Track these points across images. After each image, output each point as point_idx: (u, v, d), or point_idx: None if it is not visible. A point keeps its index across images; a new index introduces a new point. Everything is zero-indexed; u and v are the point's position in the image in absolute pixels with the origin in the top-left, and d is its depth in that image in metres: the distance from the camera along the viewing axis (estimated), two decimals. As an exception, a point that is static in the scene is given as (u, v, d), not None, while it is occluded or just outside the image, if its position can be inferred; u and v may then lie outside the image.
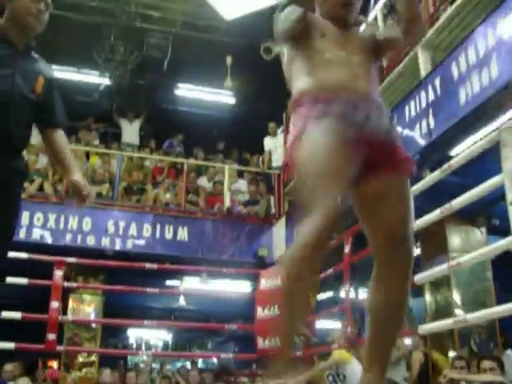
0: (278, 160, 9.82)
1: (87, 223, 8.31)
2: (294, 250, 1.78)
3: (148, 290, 6.17)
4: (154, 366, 12.62)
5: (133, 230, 8.50)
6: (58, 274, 5.52)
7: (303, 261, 1.74)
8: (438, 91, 5.15)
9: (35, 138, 10.21)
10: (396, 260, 1.96)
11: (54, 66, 11.69)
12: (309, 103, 1.99)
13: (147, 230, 8.57)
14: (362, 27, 2.34)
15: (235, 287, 9.78)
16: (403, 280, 1.99)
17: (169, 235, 8.63)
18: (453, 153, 5.10)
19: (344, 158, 1.80)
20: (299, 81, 2.13)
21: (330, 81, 2.05)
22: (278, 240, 8.56)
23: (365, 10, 8.08)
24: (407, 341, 6.59)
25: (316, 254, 1.74)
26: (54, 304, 5.38)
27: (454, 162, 3.08)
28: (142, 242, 8.49)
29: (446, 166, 3.13)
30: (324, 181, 1.77)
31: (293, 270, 1.78)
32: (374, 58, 2.27)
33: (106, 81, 11.54)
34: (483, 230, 6.55)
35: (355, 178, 1.92)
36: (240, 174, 10.45)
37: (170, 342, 16.68)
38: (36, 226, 8.07)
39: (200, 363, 15.50)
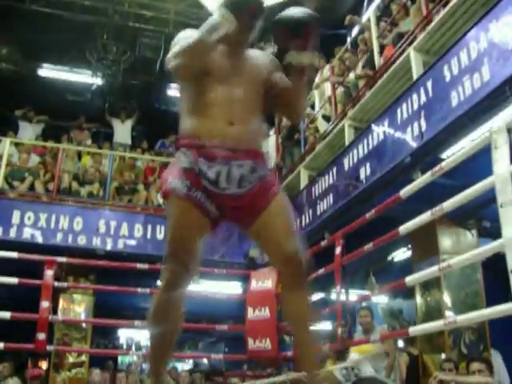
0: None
1: (78, 223, 8.28)
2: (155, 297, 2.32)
3: (139, 290, 6.15)
4: (144, 366, 12.58)
5: (124, 230, 8.48)
6: (49, 273, 5.49)
7: (162, 303, 2.28)
8: (430, 94, 5.17)
9: (27, 136, 10.20)
10: (293, 271, 2.18)
11: (47, 65, 11.69)
12: (180, 152, 2.24)
13: (138, 230, 8.56)
14: (267, 52, 2.39)
15: (226, 288, 9.77)
16: (302, 288, 2.21)
17: (160, 235, 8.61)
18: (444, 155, 5.12)
19: (188, 227, 2.17)
20: (181, 120, 2.31)
21: (201, 128, 2.21)
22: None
23: (358, 12, 8.11)
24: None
25: (172, 294, 2.24)
26: (45, 304, 5.35)
27: (445, 165, 3.09)
28: (133, 242, 8.48)
29: (437, 168, 3.13)
30: (172, 245, 2.17)
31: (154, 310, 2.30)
32: (263, 91, 2.34)
33: (98, 80, 11.53)
34: (474, 232, 6.57)
35: (239, 223, 2.32)
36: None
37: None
38: (27, 225, 8.04)
39: (190, 364, 15.48)
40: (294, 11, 2.19)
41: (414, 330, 3.57)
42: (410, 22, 6.45)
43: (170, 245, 2.18)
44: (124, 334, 16.14)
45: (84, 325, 8.58)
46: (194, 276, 2.32)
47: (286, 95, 2.35)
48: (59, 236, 8.14)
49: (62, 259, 5.84)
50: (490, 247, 2.73)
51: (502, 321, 2.77)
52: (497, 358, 5.60)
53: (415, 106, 5.39)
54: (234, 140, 2.18)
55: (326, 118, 8.08)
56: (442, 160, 3.48)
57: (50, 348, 5.77)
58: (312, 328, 2.27)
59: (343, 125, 7.24)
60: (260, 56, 2.42)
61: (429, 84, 5.20)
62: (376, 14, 7.24)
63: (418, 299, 6.61)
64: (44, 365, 9.49)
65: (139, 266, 5.98)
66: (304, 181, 8.11)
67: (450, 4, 5.38)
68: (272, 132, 9.99)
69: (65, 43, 10.36)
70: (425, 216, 3.24)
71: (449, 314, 5.86)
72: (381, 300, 9.44)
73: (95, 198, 8.98)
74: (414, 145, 5.33)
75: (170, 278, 2.18)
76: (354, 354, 5.21)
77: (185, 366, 14.55)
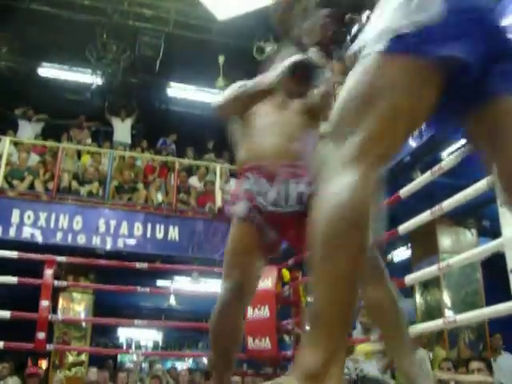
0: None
1: (78, 222, 8.28)
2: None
3: (138, 289, 6.15)
4: (143, 365, 12.59)
5: (124, 229, 8.48)
6: (48, 272, 5.48)
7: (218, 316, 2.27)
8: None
9: (26, 135, 10.19)
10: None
11: (46, 64, 11.65)
12: (239, 180, 2.39)
13: (138, 229, 8.56)
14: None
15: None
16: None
17: (160, 234, 8.61)
18: (444, 154, 5.12)
19: (244, 247, 2.25)
20: (238, 150, 2.46)
21: (255, 152, 2.34)
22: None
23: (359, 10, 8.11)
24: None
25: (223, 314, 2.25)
26: (44, 303, 5.35)
27: (445, 164, 3.08)
28: (132, 241, 8.48)
29: (436, 167, 3.13)
30: (227, 262, 2.29)
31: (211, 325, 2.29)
32: (311, 119, 2.41)
33: (98, 79, 11.51)
34: (473, 231, 6.59)
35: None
36: (232, 174, 10.45)
37: (161, 342, 16.65)
38: (26, 224, 8.04)
39: (190, 363, 15.49)
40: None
41: (413, 329, 3.57)
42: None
43: (225, 264, 2.29)
44: (124, 333, 16.16)
45: (84, 324, 8.59)
46: (247, 300, 2.40)
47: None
48: (59, 235, 8.14)
49: (62, 258, 5.83)
50: (489, 246, 2.73)
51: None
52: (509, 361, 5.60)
53: (415, 106, 5.38)
54: (287, 159, 2.27)
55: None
56: (442, 159, 3.48)
57: (49, 347, 5.77)
58: None
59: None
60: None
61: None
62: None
63: (418, 298, 6.63)
64: (44, 364, 9.50)
65: (139, 265, 5.97)
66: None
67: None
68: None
69: (64, 42, 10.34)
70: (424, 215, 3.24)
71: (448, 313, 5.87)
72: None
73: (95, 197, 8.98)
74: (414, 144, 5.33)
75: (223, 297, 2.26)
76: (358, 352, 5.20)
77: (184, 365, 14.56)
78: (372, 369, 4.78)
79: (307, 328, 1.12)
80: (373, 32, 1.16)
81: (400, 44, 1.09)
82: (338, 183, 1.05)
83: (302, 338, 5.38)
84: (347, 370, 4.98)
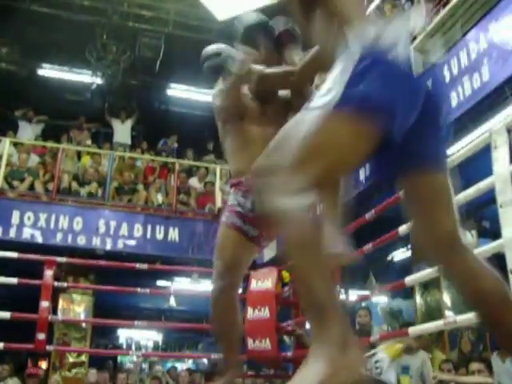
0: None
1: (78, 223, 8.28)
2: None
3: (138, 290, 6.14)
4: (143, 366, 12.59)
5: (124, 230, 8.48)
6: (48, 273, 5.48)
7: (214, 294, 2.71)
8: (430, 94, 5.17)
9: (26, 136, 10.18)
10: None
11: (46, 65, 11.62)
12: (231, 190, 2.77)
13: (138, 230, 8.56)
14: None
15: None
16: None
17: (160, 235, 8.61)
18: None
19: (234, 248, 2.66)
20: (229, 160, 2.88)
21: (240, 166, 2.69)
22: (269, 241, 8.54)
23: None
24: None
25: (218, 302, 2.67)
26: (44, 304, 5.35)
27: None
28: (132, 242, 8.48)
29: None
30: (217, 247, 2.76)
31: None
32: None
33: (98, 80, 11.52)
34: (474, 232, 6.58)
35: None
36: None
37: (161, 343, 16.63)
38: (26, 225, 8.04)
39: (190, 364, 15.47)
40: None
41: (413, 330, 3.57)
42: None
43: (219, 264, 2.68)
44: (123, 334, 16.14)
45: (84, 325, 8.60)
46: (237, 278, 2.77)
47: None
48: (59, 236, 8.14)
49: (62, 259, 5.83)
50: (489, 247, 2.73)
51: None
52: None
53: (415, 106, 5.38)
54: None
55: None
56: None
57: (49, 348, 5.76)
58: None
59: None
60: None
61: (428, 84, 5.20)
62: (376, 14, 7.23)
63: (418, 299, 6.63)
64: (44, 365, 9.50)
65: (139, 265, 5.97)
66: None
67: (450, 4, 5.38)
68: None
69: (64, 43, 10.34)
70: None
71: (448, 313, 5.87)
72: (380, 300, 9.45)
73: (95, 198, 8.98)
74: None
75: (214, 291, 2.70)
76: (380, 350, 5.18)
77: (184, 366, 14.54)
78: (391, 371, 4.76)
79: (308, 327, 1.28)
80: (322, 91, 1.42)
81: (340, 106, 1.34)
82: (289, 211, 1.33)
83: (302, 338, 5.39)
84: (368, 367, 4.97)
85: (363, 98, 1.33)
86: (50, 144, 9.90)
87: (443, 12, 5.54)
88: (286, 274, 6.00)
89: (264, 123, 2.66)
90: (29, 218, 8.08)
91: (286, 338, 6.78)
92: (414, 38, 5.97)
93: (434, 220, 1.54)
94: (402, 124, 1.40)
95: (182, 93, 12.30)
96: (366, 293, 7.48)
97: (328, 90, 1.39)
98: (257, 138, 2.61)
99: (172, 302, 11.86)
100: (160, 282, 10.45)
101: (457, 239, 1.54)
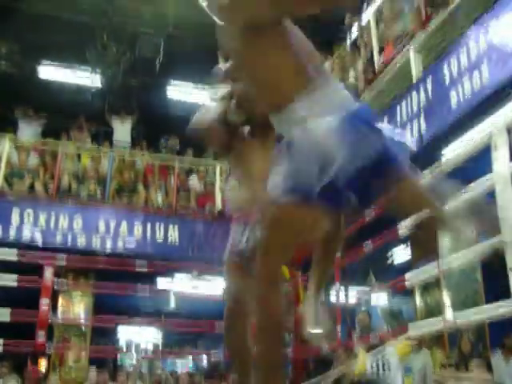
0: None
1: (78, 223, 8.28)
2: None
3: (138, 290, 6.16)
4: (143, 366, 12.57)
5: (124, 230, 8.48)
6: (48, 273, 5.50)
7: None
8: (430, 94, 5.17)
9: (26, 136, 10.17)
10: None
11: (46, 65, 11.59)
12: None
13: (138, 229, 8.55)
14: None
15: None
16: None
17: (159, 235, 8.61)
18: (443, 156, 5.13)
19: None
20: None
21: (232, 205, 2.86)
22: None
23: (358, 12, 8.11)
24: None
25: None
26: (44, 303, 5.36)
27: (445, 165, 3.10)
28: (132, 242, 8.47)
29: (436, 167, 3.14)
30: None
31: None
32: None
33: (98, 80, 11.51)
34: (473, 231, 6.58)
35: None
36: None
37: (160, 343, 16.61)
38: (26, 225, 8.03)
39: (190, 366, 15.46)
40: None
41: (413, 330, 3.58)
42: (403, 21, 6.48)
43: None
44: (123, 334, 16.12)
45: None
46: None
47: None
48: (59, 236, 8.13)
49: (62, 259, 5.85)
50: (489, 245, 2.74)
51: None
52: None
53: (415, 107, 5.40)
54: (251, 207, 2.59)
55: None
56: (442, 160, 3.49)
57: (49, 348, 5.78)
58: None
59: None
60: None
61: (428, 84, 5.21)
62: (376, 15, 7.24)
63: (418, 299, 6.63)
64: (43, 364, 9.49)
65: (138, 265, 5.99)
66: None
67: (451, 4, 5.39)
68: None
69: (65, 43, 10.34)
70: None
71: (448, 313, 5.87)
72: (380, 300, 9.45)
73: (95, 198, 8.98)
74: (414, 145, 5.34)
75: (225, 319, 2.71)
76: (389, 347, 5.19)
77: (184, 366, 14.54)
78: (397, 369, 4.77)
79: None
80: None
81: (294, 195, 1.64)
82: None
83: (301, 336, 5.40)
84: (373, 368, 4.99)
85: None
86: (49, 144, 9.89)
87: (443, 12, 5.54)
88: (285, 271, 6.00)
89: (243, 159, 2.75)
90: (29, 218, 8.08)
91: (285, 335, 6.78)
92: (414, 38, 5.98)
93: None
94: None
95: (181, 93, 12.30)
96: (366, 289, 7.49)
97: None
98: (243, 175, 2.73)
99: (172, 301, 11.85)
100: (160, 282, 10.44)
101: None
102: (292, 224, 1.71)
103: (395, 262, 8.30)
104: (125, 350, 14.71)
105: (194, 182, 10.01)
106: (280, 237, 1.73)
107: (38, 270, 5.67)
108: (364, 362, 5.07)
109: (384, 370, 5.04)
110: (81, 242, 8.19)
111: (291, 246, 1.79)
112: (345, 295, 6.68)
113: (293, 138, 1.68)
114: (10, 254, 5.53)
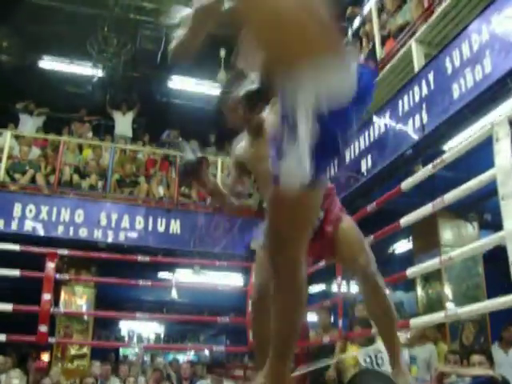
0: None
1: (79, 215, 8.28)
2: None
3: (140, 282, 6.16)
4: (145, 358, 12.62)
5: (125, 223, 8.48)
6: (50, 266, 5.49)
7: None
8: (432, 86, 5.15)
9: (28, 129, 10.17)
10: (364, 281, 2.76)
11: (47, 58, 11.59)
12: None
13: (140, 222, 8.56)
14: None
15: (227, 280, 9.77)
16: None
17: (161, 228, 8.62)
18: (445, 147, 5.11)
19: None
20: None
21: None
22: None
23: (359, 4, 8.08)
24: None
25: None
26: (46, 296, 5.36)
27: (447, 157, 3.08)
28: (134, 235, 8.48)
29: (438, 160, 3.13)
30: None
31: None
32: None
33: (99, 73, 11.50)
34: (475, 224, 6.58)
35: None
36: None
37: (162, 335, 16.69)
38: (28, 217, 8.04)
39: (192, 356, 15.53)
40: None
41: (414, 323, 3.58)
42: (405, 12, 6.44)
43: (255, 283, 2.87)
44: (125, 326, 16.19)
45: (85, 317, 8.61)
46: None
47: None
48: (60, 228, 8.14)
49: (64, 252, 5.84)
50: (491, 239, 2.73)
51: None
52: None
53: (417, 98, 5.38)
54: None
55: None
56: (444, 152, 3.47)
57: (51, 340, 5.78)
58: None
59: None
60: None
61: (430, 76, 5.19)
62: (378, 6, 7.21)
63: (419, 292, 6.63)
64: (46, 357, 9.53)
65: (140, 258, 5.98)
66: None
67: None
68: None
69: (66, 35, 10.33)
70: (426, 208, 3.24)
71: (450, 306, 5.87)
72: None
73: (96, 191, 8.98)
74: (416, 137, 5.32)
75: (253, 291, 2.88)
76: (380, 343, 5.20)
77: (186, 358, 14.60)
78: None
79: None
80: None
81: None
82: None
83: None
84: (366, 363, 4.99)
85: None
86: (51, 137, 9.89)
87: (445, 3, 5.51)
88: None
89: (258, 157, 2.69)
90: (30, 211, 8.09)
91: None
92: (416, 30, 5.96)
93: None
94: None
95: (183, 85, 12.29)
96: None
97: None
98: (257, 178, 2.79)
99: (174, 294, 11.87)
100: (162, 274, 10.46)
101: None
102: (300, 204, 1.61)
103: (396, 254, 8.30)
104: (127, 341, 14.77)
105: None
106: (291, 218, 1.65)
107: (39, 262, 5.67)
108: (356, 355, 5.09)
109: (377, 361, 5.05)
110: (82, 234, 8.21)
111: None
112: (346, 287, 6.68)
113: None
114: (12, 247, 5.52)
